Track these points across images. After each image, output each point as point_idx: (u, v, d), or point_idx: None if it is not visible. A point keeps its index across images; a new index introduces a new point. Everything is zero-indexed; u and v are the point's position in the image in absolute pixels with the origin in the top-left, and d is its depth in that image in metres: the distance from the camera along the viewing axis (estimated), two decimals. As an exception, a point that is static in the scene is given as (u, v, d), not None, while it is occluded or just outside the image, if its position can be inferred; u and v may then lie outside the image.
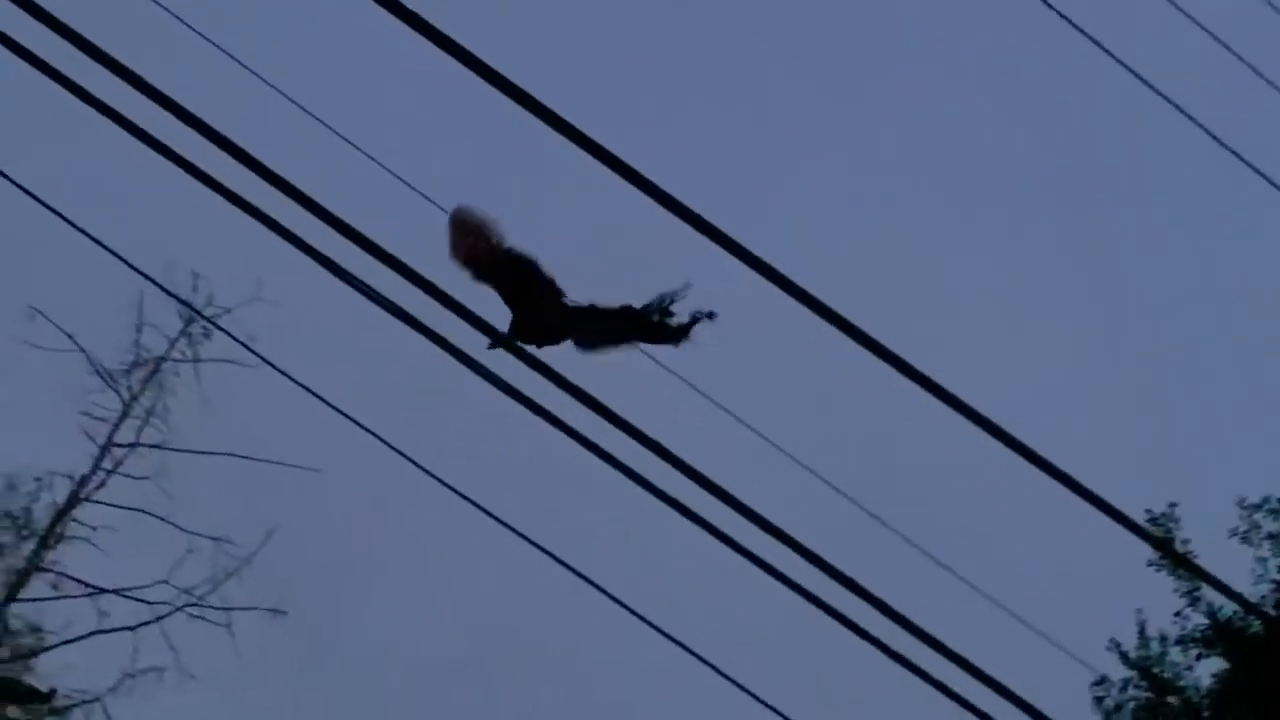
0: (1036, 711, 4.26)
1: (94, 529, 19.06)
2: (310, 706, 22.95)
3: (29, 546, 19.65)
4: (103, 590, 18.90)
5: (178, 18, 5.34)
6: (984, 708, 4.28)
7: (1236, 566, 19.28)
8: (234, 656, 18.69)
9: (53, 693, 19.03)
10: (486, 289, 5.53)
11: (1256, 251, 32.84)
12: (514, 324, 5.53)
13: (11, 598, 18.87)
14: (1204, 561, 15.64)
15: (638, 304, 5.53)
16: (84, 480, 19.25)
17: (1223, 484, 22.03)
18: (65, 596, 19.06)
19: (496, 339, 5.17)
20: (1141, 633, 20.31)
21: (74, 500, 19.17)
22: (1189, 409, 32.61)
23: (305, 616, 20.07)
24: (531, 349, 5.42)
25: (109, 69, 3.72)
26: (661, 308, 5.51)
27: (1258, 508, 20.06)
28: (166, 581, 18.94)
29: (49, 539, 19.10)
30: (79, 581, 19.03)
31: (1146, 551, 19.23)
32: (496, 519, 4.82)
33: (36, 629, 19.86)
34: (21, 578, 18.86)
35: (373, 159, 5.72)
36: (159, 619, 18.82)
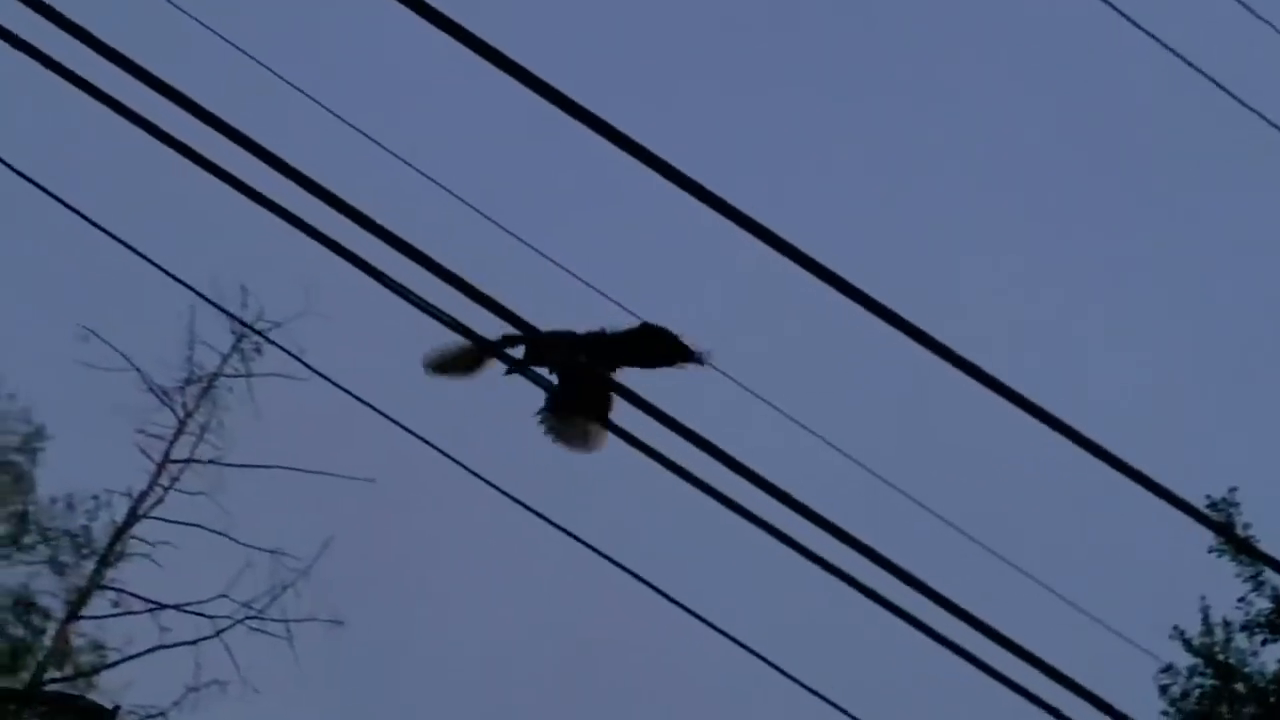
0: (1103, 703, 4.21)
1: (153, 545, 19.24)
2: (373, 715, 23.08)
3: (89, 565, 19.87)
4: (163, 606, 19.07)
5: (215, 32, 5.36)
6: (1049, 700, 4.23)
7: (1300, 550, 19.05)
8: (295, 668, 18.82)
9: (116, 710, 19.21)
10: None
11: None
12: (528, 351, 5.53)
13: (73, 616, 19.07)
14: (1266, 546, 15.45)
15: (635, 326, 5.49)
16: (141, 498, 19.43)
17: (1284, 467, 21.79)
18: (126, 613, 19.26)
19: (513, 365, 5.28)
20: (1205, 619, 20.11)
21: (132, 518, 19.34)
22: (1249, 391, 32.21)
23: (364, 626, 20.19)
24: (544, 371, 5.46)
25: (151, 86, 3.74)
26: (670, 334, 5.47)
27: (1320, 490, 19.80)
28: (225, 595, 19.08)
29: (109, 557, 19.28)
30: (139, 598, 19.21)
31: (1208, 537, 19.04)
32: (552, 523, 4.81)
33: (98, 646, 20.08)
34: (83, 596, 19.06)
35: (418, 170, 5.73)
36: (219, 633, 18.96)
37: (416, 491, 20.06)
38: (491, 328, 4.28)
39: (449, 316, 4.32)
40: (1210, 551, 19.54)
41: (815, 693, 4.81)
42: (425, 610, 25.03)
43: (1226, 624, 20.04)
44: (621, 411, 4.30)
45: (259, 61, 5.28)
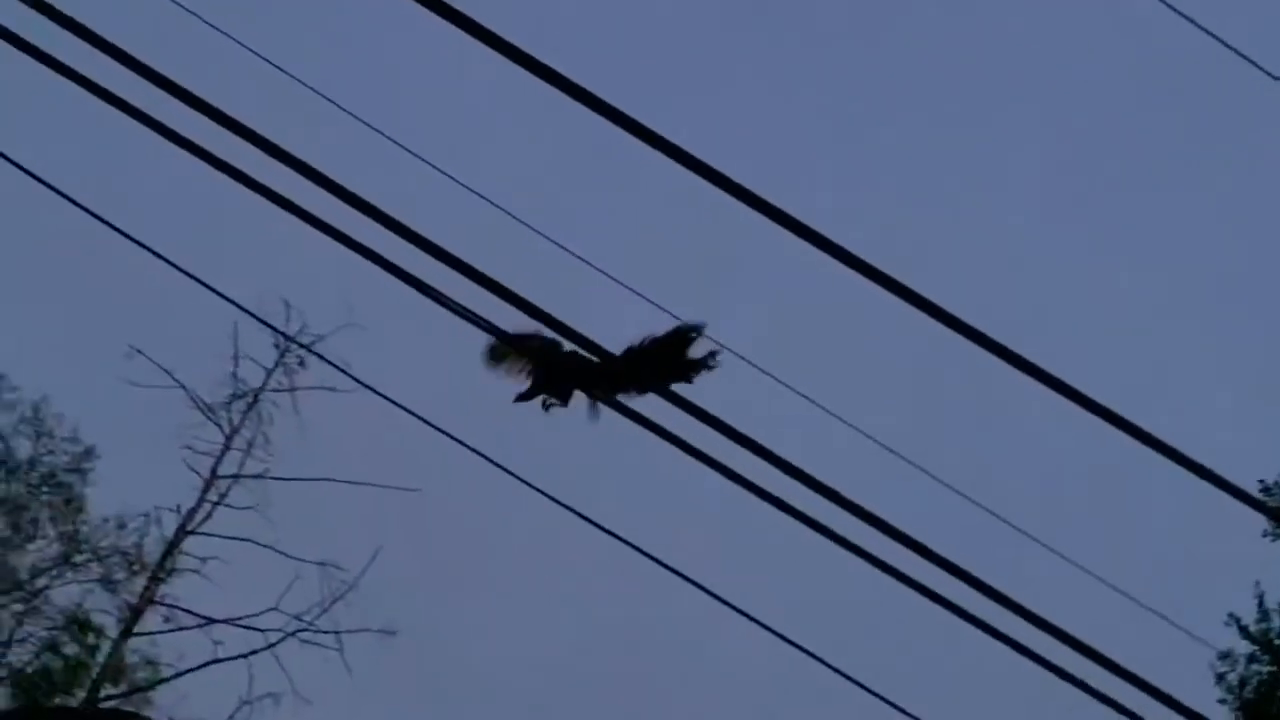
0: (1160, 691, 4.17)
1: (203, 561, 19.35)
2: (426, 724, 23.16)
3: (141, 582, 20.02)
4: (215, 621, 19.17)
5: (250, 49, 5.39)
6: (1106, 690, 4.19)
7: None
8: (347, 678, 18.87)
9: (171, 725, 19.36)
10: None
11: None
12: (540, 377, 5.53)
13: (127, 632, 19.21)
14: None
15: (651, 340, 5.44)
16: (190, 514, 19.55)
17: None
18: (179, 629, 19.39)
19: (525, 395, 5.30)
20: (1260, 605, 19.87)
21: (182, 534, 19.46)
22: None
23: (415, 634, 20.22)
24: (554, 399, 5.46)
25: (188, 104, 3.75)
26: (687, 336, 5.41)
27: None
28: (276, 608, 19.16)
29: (160, 573, 19.42)
30: (191, 613, 19.33)
31: (1262, 522, 18.83)
32: (599, 526, 4.80)
33: (152, 662, 20.23)
34: (135, 613, 19.20)
35: (454, 179, 5.74)
36: (271, 646, 19.05)
37: (462, 499, 20.11)
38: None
39: (490, 323, 4.33)
40: (1265, 536, 19.32)
41: (871, 691, 4.78)
42: (475, 617, 25.07)
43: (1283, 610, 19.81)
44: (663, 411, 4.28)
45: (294, 76, 5.30)
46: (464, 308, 4.35)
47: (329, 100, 5.50)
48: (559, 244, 5.59)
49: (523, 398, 5.44)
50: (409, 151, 5.63)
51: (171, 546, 19.42)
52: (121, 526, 21.48)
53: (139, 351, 19.41)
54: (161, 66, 3.77)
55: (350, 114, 5.51)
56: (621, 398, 5.24)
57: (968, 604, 4.07)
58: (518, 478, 4.97)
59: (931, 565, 4.02)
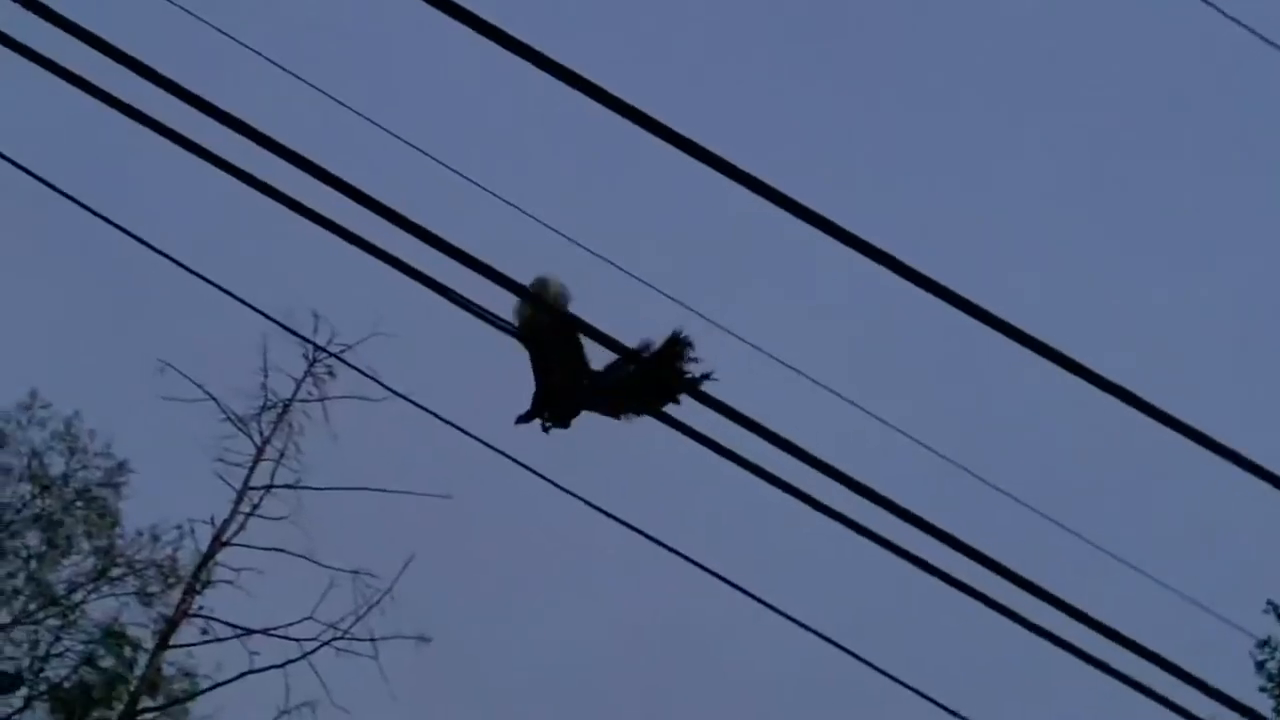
0: (1201, 682, 4.14)
1: (237, 572, 19.39)
2: (463, 729, 23.21)
3: (176, 594, 20.11)
4: (250, 631, 19.21)
5: (275, 63, 5.40)
6: (1147, 682, 4.17)
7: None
8: (384, 685, 18.89)
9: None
10: (526, 353, 5.51)
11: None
12: (540, 398, 5.55)
13: (163, 645, 19.29)
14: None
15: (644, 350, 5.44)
16: (224, 525, 19.60)
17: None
18: (215, 639, 19.44)
19: (526, 416, 5.30)
20: (1300, 593, 19.76)
21: (216, 545, 19.52)
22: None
23: (450, 641, 20.26)
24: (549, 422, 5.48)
25: (213, 117, 3.77)
26: (677, 347, 5.41)
27: None
28: (311, 618, 19.20)
29: (195, 585, 19.49)
30: (227, 624, 19.39)
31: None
32: (634, 529, 4.80)
33: (189, 674, 20.32)
34: (172, 625, 19.28)
35: (478, 184, 5.74)
36: (307, 655, 19.08)
37: (493, 504, 20.14)
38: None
39: (514, 327, 4.32)
40: (1303, 524, 19.17)
41: (915, 689, 4.76)
42: (509, 622, 25.11)
43: (1322, 597, 19.68)
44: (696, 412, 4.28)
45: (317, 87, 5.31)
46: (489, 312, 4.36)
47: (355, 112, 5.51)
48: (586, 247, 5.59)
49: (523, 419, 5.46)
50: (431, 158, 5.63)
51: (206, 558, 19.48)
52: (156, 539, 21.63)
53: (169, 366, 19.50)
54: (188, 81, 3.79)
55: (371, 121, 5.52)
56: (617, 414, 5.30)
57: (1006, 598, 4.05)
58: (549, 480, 4.97)
59: (973, 561, 4.00)
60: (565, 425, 5.53)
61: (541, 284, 5.28)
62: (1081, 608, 4.03)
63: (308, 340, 19.12)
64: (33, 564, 21.43)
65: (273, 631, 19.20)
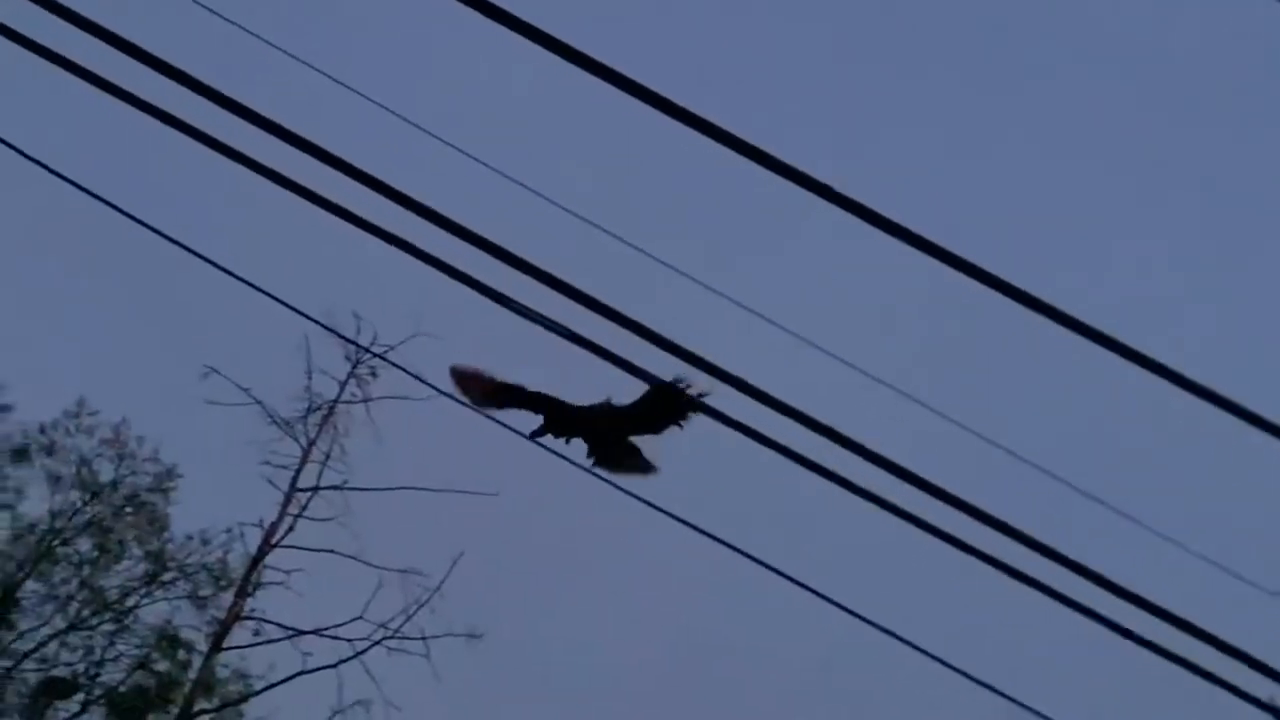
0: (1261, 664, 4.09)
1: (287, 573, 19.47)
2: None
3: (228, 597, 20.25)
4: (302, 632, 19.31)
5: (310, 65, 5.40)
6: (1190, 656, 4.12)
7: None
8: (436, 684, 18.95)
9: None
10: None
11: None
12: (547, 420, 5.56)
13: (217, 647, 19.43)
14: None
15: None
16: (273, 528, 19.70)
17: None
18: (267, 641, 19.55)
19: (537, 433, 5.31)
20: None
21: (265, 548, 19.63)
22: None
23: (501, 638, 20.30)
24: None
25: (252, 122, 3.77)
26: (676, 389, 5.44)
27: None
28: (361, 617, 19.28)
29: (246, 587, 19.60)
30: (279, 625, 19.50)
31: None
32: (685, 522, 4.77)
33: (243, 676, 20.48)
34: (224, 627, 19.41)
35: (515, 180, 5.72)
36: (358, 655, 19.16)
37: (541, 500, 20.15)
38: (603, 333, 4.26)
39: (562, 327, 4.32)
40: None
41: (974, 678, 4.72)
42: (560, 618, 25.14)
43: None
44: (740, 405, 4.25)
45: (352, 88, 5.31)
46: (530, 309, 4.34)
47: (389, 110, 5.50)
48: (631, 241, 5.56)
49: (536, 435, 5.46)
50: (469, 156, 5.62)
51: (256, 561, 19.58)
52: (206, 543, 21.80)
53: (214, 371, 19.62)
54: (224, 85, 3.79)
55: (409, 121, 5.51)
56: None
57: (1059, 584, 4.01)
58: (596, 475, 4.96)
59: (1009, 538, 3.96)
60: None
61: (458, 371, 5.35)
62: (1164, 603, 3.99)
63: (351, 341, 19.21)
64: (85, 570, 21.64)
65: (324, 632, 19.30)
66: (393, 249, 3.99)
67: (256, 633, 19.60)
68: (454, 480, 19.28)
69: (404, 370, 16.37)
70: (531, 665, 23.55)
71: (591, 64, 3.58)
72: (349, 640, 19.22)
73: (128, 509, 22.16)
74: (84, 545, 21.84)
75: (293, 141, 3.80)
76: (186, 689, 19.94)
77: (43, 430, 22.16)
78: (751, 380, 4.26)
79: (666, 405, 5.29)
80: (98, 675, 21.12)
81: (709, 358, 4.40)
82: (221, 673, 20.29)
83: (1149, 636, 4.10)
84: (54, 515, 21.70)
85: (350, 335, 18.92)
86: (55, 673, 20.79)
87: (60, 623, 21.07)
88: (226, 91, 3.79)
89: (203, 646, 20.27)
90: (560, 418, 5.43)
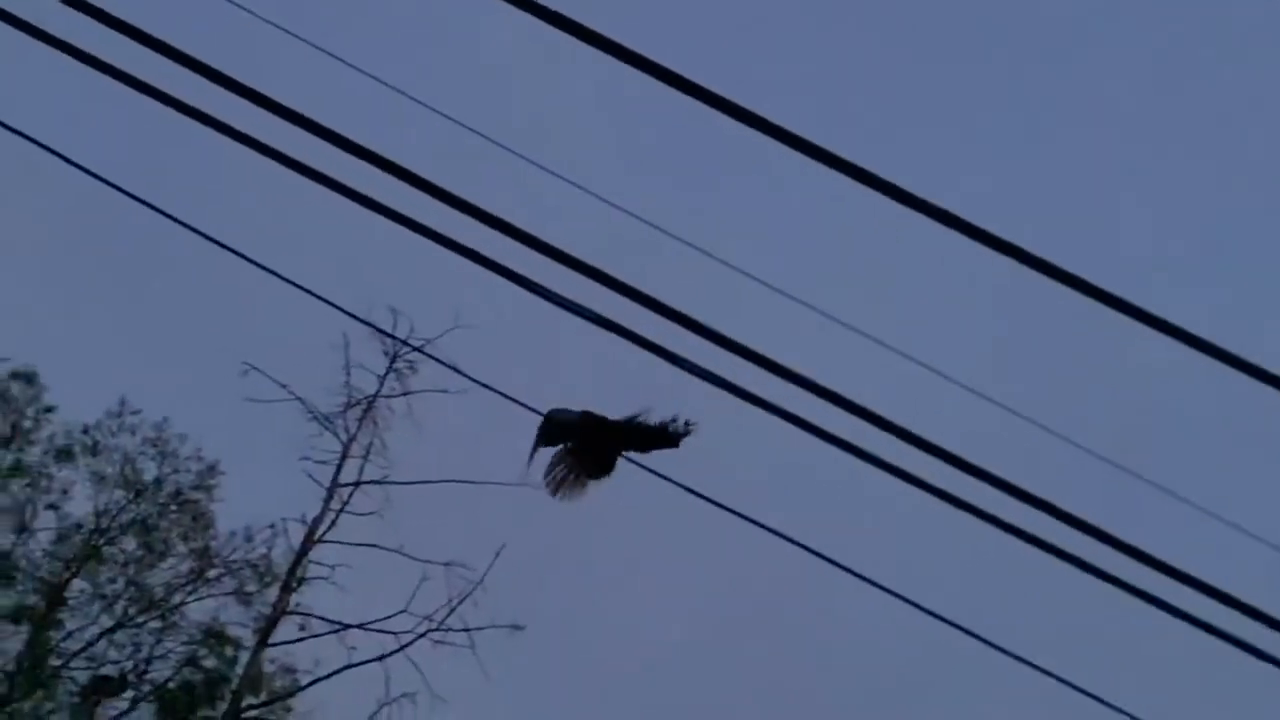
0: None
1: (331, 568, 19.56)
2: (559, 714, 23.27)
3: (273, 592, 20.35)
4: (347, 626, 19.39)
5: (352, 65, 5.39)
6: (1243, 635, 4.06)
7: None
8: (481, 675, 18.98)
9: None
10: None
11: None
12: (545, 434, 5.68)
13: (263, 643, 19.53)
14: None
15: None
16: (316, 523, 19.77)
17: None
18: (313, 635, 19.64)
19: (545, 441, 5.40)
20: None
21: (309, 543, 19.69)
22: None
23: (544, 629, 20.32)
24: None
25: (286, 118, 3.76)
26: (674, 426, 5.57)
27: None
28: (406, 610, 19.33)
29: (290, 583, 19.69)
30: (324, 620, 19.57)
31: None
32: (728, 509, 4.74)
33: (290, 670, 20.59)
34: (270, 623, 19.50)
35: (554, 173, 5.70)
36: (403, 647, 19.21)
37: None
38: (634, 317, 4.22)
39: (592, 313, 4.29)
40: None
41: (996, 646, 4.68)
42: (602, 608, 25.15)
43: None
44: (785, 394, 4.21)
45: (391, 86, 5.29)
46: (570, 300, 4.32)
47: (426, 106, 5.49)
48: (673, 233, 5.53)
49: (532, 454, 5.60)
50: (506, 149, 5.60)
51: (300, 556, 19.66)
52: (250, 539, 21.91)
53: (254, 368, 19.69)
54: (264, 86, 3.79)
55: (446, 116, 5.49)
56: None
57: (1126, 573, 3.96)
58: (637, 464, 4.93)
59: (1069, 527, 3.92)
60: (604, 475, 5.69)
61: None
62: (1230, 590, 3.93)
63: (389, 335, 19.24)
64: (131, 568, 21.80)
65: (369, 626, 19.37)
66: (429, 242, 3.97)
67: (302, 628, 19.71)
68: (494, 472, 19.33)
69: (442, 363, 16.39)
70: (573, 654, 23.57)
71: (647, 64, 3.55)
72: (394, 634, 19.30)
73: (172, 507, 22.30)
74: (129, 544, 22.00)
75: (328, 138, 3.79)
76: (234, 685, 20.07)
77: (86, 430, 22.35)
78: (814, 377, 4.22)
79: (661, 440, 5.43)
80: (146, 673, 21.29)
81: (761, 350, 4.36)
82: (268, 668, 20.40)
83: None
84: (99, 514, 21.87)
85: (388, 330, 18.98)
86: (104, 671, 20.98)
87: (108, 621, 21.24)
88: (264, 91, 3.79)
89: (249, 642, 20.40)
90: (561, 430, 5.56)
